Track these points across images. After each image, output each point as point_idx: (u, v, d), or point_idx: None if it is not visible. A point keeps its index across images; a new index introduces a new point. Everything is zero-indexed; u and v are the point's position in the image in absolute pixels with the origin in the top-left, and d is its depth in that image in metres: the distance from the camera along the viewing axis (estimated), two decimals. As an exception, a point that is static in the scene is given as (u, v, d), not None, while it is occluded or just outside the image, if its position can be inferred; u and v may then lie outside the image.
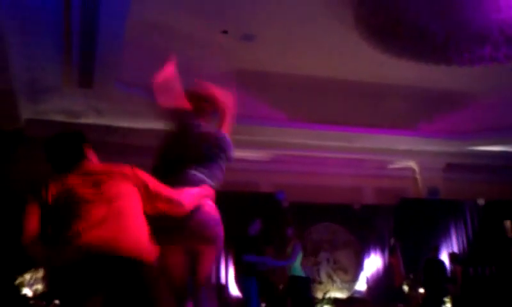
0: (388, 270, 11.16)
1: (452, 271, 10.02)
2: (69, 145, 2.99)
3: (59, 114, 9.38)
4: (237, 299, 10.20)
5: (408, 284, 10.59)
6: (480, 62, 6.95)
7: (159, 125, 10.69)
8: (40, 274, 9.07)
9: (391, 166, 12.77)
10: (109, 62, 7.45)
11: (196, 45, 8.38)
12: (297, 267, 8.45)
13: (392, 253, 10.89)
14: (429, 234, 11.35)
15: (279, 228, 10.50)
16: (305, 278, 8.56)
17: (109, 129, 9.99)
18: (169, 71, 3.64)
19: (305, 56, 8.71)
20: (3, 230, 8.69)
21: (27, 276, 8.92)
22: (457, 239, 11.85)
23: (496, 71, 8.20)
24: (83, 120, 9.66)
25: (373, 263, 11.42)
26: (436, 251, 10.13)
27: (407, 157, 12.34)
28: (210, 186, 3.34)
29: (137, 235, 2.62)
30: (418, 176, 12.73)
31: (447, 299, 10.21)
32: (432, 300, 9.37)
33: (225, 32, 7.98)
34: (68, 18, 6.33)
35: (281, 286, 9.52)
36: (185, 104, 3.72)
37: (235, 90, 4.24)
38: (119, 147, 10.63)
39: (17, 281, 8.80)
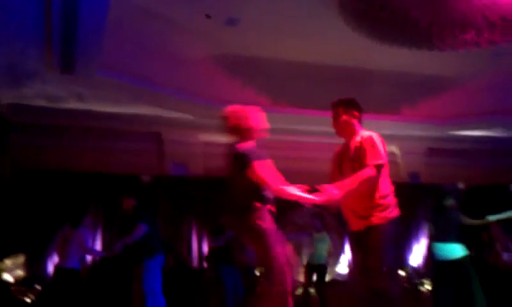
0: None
1: None
2: None
3: (41, 99, 9.27)
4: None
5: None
6: (463, 47, 7.01)
7: (140, 109, 10.72)
8: (21, 259, 9.01)
9: (373, 151, 12.83)
10: (91, 48, 7.36)
11: (179, 30, 8.33)
12: (322, 255, 8.50)
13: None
14: (409, 218, 11.48)
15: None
16: (324, 265, 8.75)
17: (90, 114, 9.91)
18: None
19: (289, 41, 8.70)
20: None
21: (8, 262, 8.85)
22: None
23: (478, 56, 8.28)
24: (65, 105, 9.57)
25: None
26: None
27: (388, 141, 12.33)
28: None
29: None
30: (399, 161, 12.83)
31: (426, 281, 10.36)
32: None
33: (208, 16, 7.93)
34: (49, 2, 6.23)
35: (258, 271, 9.60)
36: None
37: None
38: (100, 132, 10.56)
39: (-3, 267, 8.75)
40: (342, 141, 4.28)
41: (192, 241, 10.48)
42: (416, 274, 10.67)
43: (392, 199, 3.95)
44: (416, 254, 11.38)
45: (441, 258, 7.41)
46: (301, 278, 10.78)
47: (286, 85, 9.66)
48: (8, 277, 8.76)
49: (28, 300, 8.49)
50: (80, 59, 7.60)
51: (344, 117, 4.08)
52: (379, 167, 3.84)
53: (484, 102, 10.62)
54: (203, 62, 9.22)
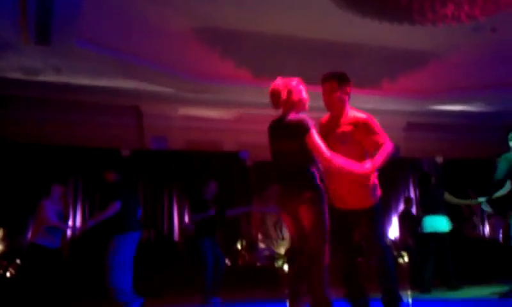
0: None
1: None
2: None
3: (17, 72, 9.09)
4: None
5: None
6: (443, 21, 7.03)
7: (119, 83, 10.58)
8: (0, 233, 8.95)
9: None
10: (68, 18, 7.21)
11: (158, 2, 8.19)
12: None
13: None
14: (389, 191, 11.62)
15: (242, 187, 10.61)
16: None
17: (68, 87, 9.77)
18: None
19: (271, 14, 8.62)
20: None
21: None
22: (416, 196, 12.18)
23: (458, 30, 8.31)
24: (41, 78, 9.40)
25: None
26: (409, 203, 10.30)
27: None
28: None
29: None
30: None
31: (404, 252, 10.52)
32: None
33: (188, -12, 7.82)
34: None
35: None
36: None
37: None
38: (79, 105, 10.43)
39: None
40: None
41: (173, 214, 10.50)
42: (395, 247, 10.83)
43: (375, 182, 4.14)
44: (395, 227, 11.54)
45: (429, 230, 7.67)
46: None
47: (266, 58, 9.59)
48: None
49: (8, 274, 8.44)
50: (56, 29, 7.45)
51: (338, 93, 4.09)
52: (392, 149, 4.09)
53: (464, 77, 10.70)
54: (183, 35, 9.10)
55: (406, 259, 10.34)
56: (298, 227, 3.84)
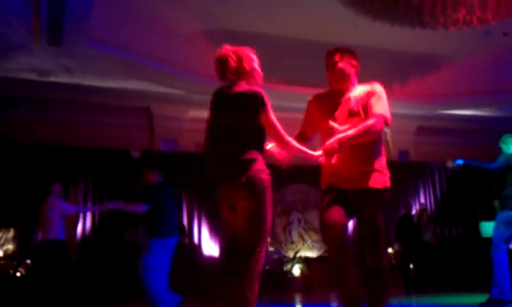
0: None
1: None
2: None
3: (29, 73, 9.16)
4: (210, 257, 10.32)
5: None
6: (455, 26, 7.00)
7: (129, 84, 10.63)
8: (11, 234, 9.00)
9: (363, 128, 12.87)
10: (79, 20, 7.26)
11: (170, 4, 8.23)
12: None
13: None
14: (398, 195, 11.58)
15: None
16: None
17: (79, 88, 9.83)
18: None
19: (280, 17, 8.63)
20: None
21: (-3, 236, 8.85)
22: (426, 200, 12.13)
23: (469, 35, 8.27)
24: (53, 79, 9.46)
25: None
26: (408, 208, 10.34)
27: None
28: None
29: None
30: (389, 139, 12.87)
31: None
32: (407, 255, 9.61)
33: (199, -10, 7.84)
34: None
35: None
36: None
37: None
38: (90, 106, 10.49)
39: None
40: None
41: (183, 216, 10.50)
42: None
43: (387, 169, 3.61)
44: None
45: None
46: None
47: (277, 61, 9.59)
48: (-2, 251, 8.76)
49: (18, 274, 8.49)
50: (68, 31, 7.50)
51: (340, 64, 3.66)
52: (386, 121, 3.54)
53: (475, 81, 10.64)
54: (194, 37, 9.13)
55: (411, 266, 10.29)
56: (235, 221, 3.17)
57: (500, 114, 12.00)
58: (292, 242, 11.34)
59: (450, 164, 12.14)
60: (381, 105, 3.56)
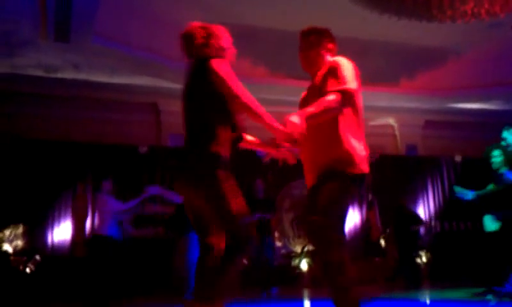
0: (365, 225, 11.35)
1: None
2: None
3: (36, 69, 9.19)
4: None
5: (384, 239, 10.81)
6: (463, 18, 6.95)
7: (136, 80, 10.63)
8: (20, 229, 9.05)
9: (370, 123, 12.84)
10: (86, 16, 7.27)
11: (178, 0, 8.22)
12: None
13: (369, 208, 11.04)
14: (406, 190, 11.54)
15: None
16: None
17: (87, 84, 9.85)
18: None
19: (288, 11, 8.60)
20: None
21: (7, 232, 8.88)
22: (434, 195, 12.07)
23: (477, 28, 8.21)
24: (60, 75, 9.49)
25: (351, 218, 11.60)
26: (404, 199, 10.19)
27: (386, 113, 12.41)
28: None
29: None
30: (397, 133, 12.84)
31: (422, 253, 10.46)
32: (404, 250, 9.51)
33: (205, -15, 7.83)
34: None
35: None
36: None
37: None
38: (97, 102, 10.51)
39: (-4, 237, 8.79)
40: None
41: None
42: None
43: (361, 151, 3.08)
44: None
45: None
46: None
47: (283, 55, 9.57)
48: (7, 247, 8.80)
49: (28, 270, 8.54)
50: (75, 27, 7.51)
51: (315, 47, 3.31)
52: (345, 95, 2.98)
53: (483, 75, 10.57)
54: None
55: (424, 259, 10.27)
56: (195, 215, 2.87)
57: (508, 108, 11.92)
58: (300, 237, 11.32)
59: (458, 158, 12.13)
60: (334, 79, 3.06)
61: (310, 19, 9.05)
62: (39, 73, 9.30)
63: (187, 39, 3.05)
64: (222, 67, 2.85)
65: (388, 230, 10.84)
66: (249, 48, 9.51)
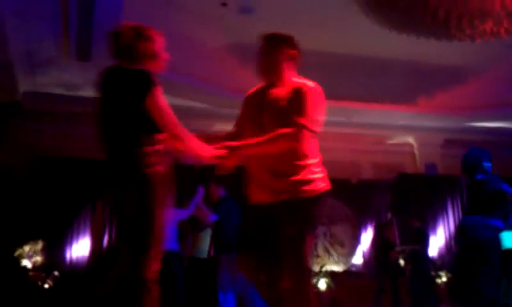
0: (384, 244, 11.25)
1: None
2: None
3: (58, 87, 9.35)
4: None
5: (403, 258, 10.69)
6: (482, 37, 6.91)
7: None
8: (40, 245, 9.13)
9: (389, 141, 12.78)
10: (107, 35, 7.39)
11: (194, 17, 8.31)
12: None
13: (388, 228, 10.96)
14: (425, 209, 11.42)
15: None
16: None
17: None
18: None
19: (304, 30, 8.61)
20: (1, 202, 8.73)
21: (27, 248, 8.96)
22: (454, 214, 11.92)
23: (496, 46, 8.16)
24: (82, 93, 9.62)
25: (370, 237, 11.51)
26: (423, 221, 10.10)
27: (405, 132, 12.34)
28: None
29: None
30: (416, 152, 12.74)
31: (442, 273, 10.32)
32: (417, 272, 9.40)
33: (224, 4, 7.90)
34: (66, -10, 6.27)
35: None
36: None
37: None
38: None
39: (16, 253, 8.86)
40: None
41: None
42: (433, 267, 10.61)
43: (317, 169, 2.98)
44: (434, 247, 11.31)
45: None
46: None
47: (301, 75, 9.61)
48: (26, 262, 8.88)
49: (46, 286, 8.60)
50: (96, 46, 7.63)
51: (276, 54, 3.16)
52: (304, 132, 2.88)
53: (502, 93, 10.48)
54: (218, 51, 9.19)
55: (444, 279, 10.13)
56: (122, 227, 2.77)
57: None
58: (318, 256, 11.25)
59: None
60: (305, 113, 2.93)
61: (327, 38, 9.13)
62: (59, 91, 9.45)
63: (113, 38, 2.91)
64: (157, 93, 2.74)
65: (406, 250, 10.72)
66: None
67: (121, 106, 2.69)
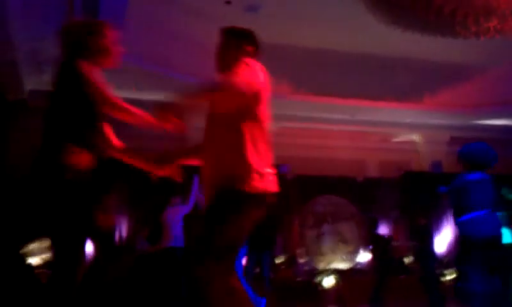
0: (390, 242, 11.23)
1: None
2: None
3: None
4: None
5: (409, 256, 10.68)
6: (487, 35, 6.89)
7: (159, 96, 10.67)
8: (46, 243, 9.17)
9: (395, 139, 12.76)
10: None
11: (199, 16, 8.32)
12: None
13: (394, 226, 10.95)
14: (431, 207, 11.38)
15: (282, 201, 10.57)
16: None
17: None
18: None
19: (310, 28, 8.64)
20: (6, 200, 8.77)
21: (34, 246, 9.00)
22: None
23: (501, 44, 8.13)
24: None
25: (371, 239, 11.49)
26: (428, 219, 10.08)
27: (411, 130, 12.32)
28: None
29: None
30: (421, 150, 12.72)
31: (447, 272, 10.30)
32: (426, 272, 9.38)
33: (229, 2, 7.92)
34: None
35: None
36: None
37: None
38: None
39: (22, 251, 8.89)
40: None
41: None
42: (438, 265, 10.59)
43: (260, 168, 2.82)
44: (439, 245, 11.29)
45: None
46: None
47: (307, 73, 9.60)
48: (33, 260, 8.91)
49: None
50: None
51: (233, 48, 3.08)
52: (227, 87, 2.77)
53: (508, 91, 10.44)
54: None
55: (450, 277, 10.10)
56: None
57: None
58: (323, 254, 11.24)
59: None
60: (233, 73, 2.83)
61: (332, 36, 9.13)
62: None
63: (62, 34, 2.83)
64: (89, 68, 2.66)
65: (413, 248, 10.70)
66: (272, 65, 9.56)
67: (56, 100, 2.69)
